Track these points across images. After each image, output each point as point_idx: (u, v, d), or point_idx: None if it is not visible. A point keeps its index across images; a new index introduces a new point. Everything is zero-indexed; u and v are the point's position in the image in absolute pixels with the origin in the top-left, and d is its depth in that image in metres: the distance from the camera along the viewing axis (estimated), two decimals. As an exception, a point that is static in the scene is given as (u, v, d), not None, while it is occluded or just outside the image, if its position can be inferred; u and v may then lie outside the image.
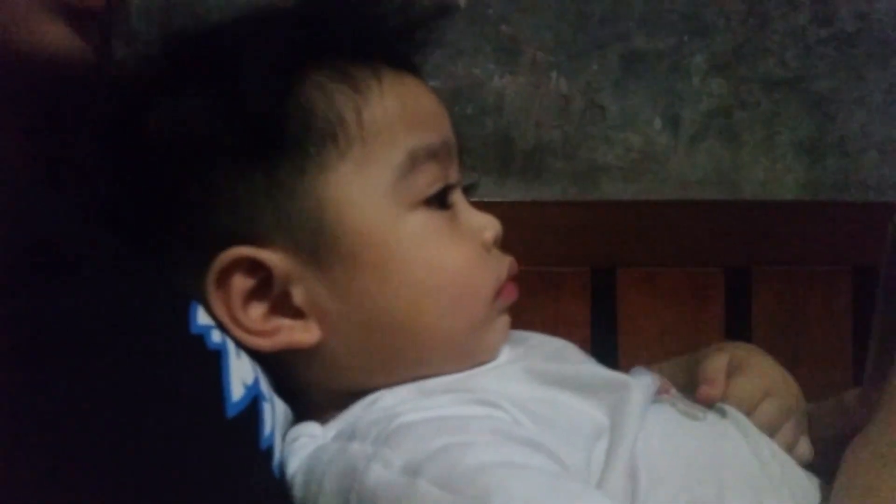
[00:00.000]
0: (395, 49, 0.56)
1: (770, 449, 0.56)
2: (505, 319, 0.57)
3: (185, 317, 0.48)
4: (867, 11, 1.04)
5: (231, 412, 0.47)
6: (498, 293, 0.55)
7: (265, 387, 0.51)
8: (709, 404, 0.58)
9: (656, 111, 1.04)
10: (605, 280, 0.96)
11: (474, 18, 1.02)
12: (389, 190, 0.52)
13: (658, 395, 0.56)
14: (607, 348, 0.94)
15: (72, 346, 0.42)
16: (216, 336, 0.49)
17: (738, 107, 1.05)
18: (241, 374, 0.49)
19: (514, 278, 0.57)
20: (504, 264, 0.57)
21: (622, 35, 1.03)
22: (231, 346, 0.50)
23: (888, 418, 0.51)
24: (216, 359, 0.48)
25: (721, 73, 1.04)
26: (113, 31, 0.55)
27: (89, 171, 0.54)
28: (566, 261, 0.94)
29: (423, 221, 0.53)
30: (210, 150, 0.51)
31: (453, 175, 0.56)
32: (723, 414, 0.57)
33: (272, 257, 0.50)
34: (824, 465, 0.56)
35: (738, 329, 0.96)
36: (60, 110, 0.56)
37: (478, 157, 1.00)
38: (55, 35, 0.50)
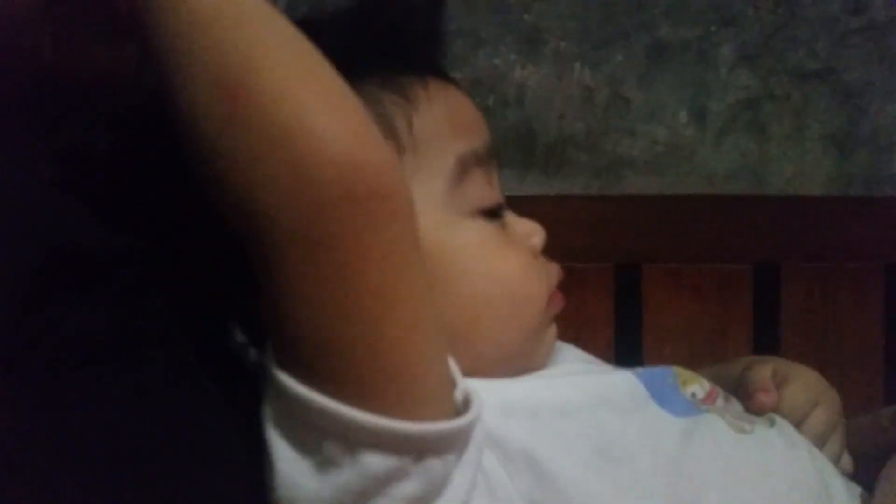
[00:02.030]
0: (436, 56, 0.56)
1: (815, 459, 0.56)
2: (554, 328, 0.58)
3: (224, 333, 0.48)
4: (901, 1, 1.02)
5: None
6: (548, 301, 0.56)
7: None
8: (762, 412, 0.58)
9: (682, 103, 1.02)
10: (630, 276, 0.94)
11: (496, 7, 1.00)
12: (444, 198, 0.52)
13: (705, 403, 0.56)
14: (632, 345, 0.92)
15: (111, 358, 0.42)
16: (252, 355, 0.49)
17: (766, 99, 1.02)
18: None
19: (560, 286, 0.57)
20: (552, 271, 0.57)
21: (648, 25, 1.01)
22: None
23: None
24: (253, 377, 0.48)
25: (749, 64, 1.02)
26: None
27: (131, 184, 0.52)
28: (589, 256, 0.92)
29: (478, 230, 0.53)
30: None
31: (496, 184, 0.56)
32: (771, 423, 0.57)
33: None
34: (862, 479, 0.57)
35: (766, 326, 0.94)
36: (96, 122, 0.54)
37: (499, 149, 0.98)
38: (93, 57, 0.50)
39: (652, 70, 1.02)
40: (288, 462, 0.42)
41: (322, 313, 0.41)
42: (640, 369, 0.59)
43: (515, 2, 1.00)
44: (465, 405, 0.45)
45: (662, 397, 0.56)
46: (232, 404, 0.46)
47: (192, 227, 0.51)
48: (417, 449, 0.42)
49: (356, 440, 0.41)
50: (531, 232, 0.57)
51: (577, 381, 0.58)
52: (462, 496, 0.44)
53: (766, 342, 0.94)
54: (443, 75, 0.56)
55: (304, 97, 0.40)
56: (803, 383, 0.61)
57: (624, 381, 0.57)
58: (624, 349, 0.92)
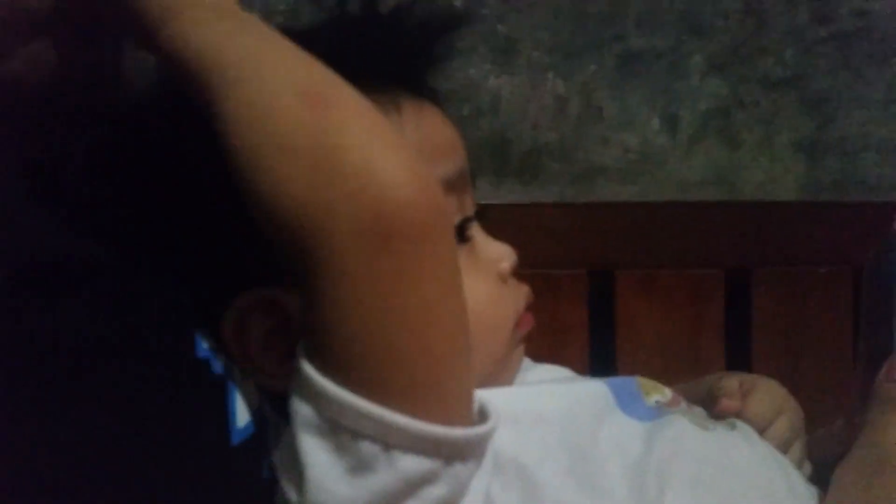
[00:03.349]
0: (412, 73, 0.55)
1: (777, 460, 0.57)
2: (521, 349, 0.58)
3: (191, 339, 0.48)
4: (867, 10, 1.03)
5: (236, 438, 0.47)
6: (516, 324, 0.56)
7: (270, 413, 0.50)
8: (726, 416, 0.59)
9: (654, 111, 1.03)
10: (603, 282, 0.95)
11: (469, 18, 1.01)
12: None
13: (669, 407, 0.57)
14: (606, 351, 0.93)
15: (75, 366, 0.42)
16: (219, 363, 0.49)
17: (736, 107, 1.04)
18: (247, 399, 0.48)
19: (530, 307, 0.57)
20: (521, 294, 0.57)
21: (619, 35, 1.02)
22: (237, 370, 0.49)
23: (869, 439, 0.53)
24: (222, 383, 0.47)
25: (719, 72, 1.03)
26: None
27: (95, 188, 0.52)
28: (563, 263, 0.93)
29: None
30: (230, 186, 0.50)
31: (469, 205, 0.55)
32: (731, 427, 0.58)
33: (292, 300, 0.49)
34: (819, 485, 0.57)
35: (738, 330, 0.95)
36: (70, 134, 0.54)
37: (474, 158, 0.97)
38: (66, 62, 0.49)
39: (624, 79, 1.02)
40: (319, 466, 0.42)
41: (374, 319, 0.42)
42: (608, 378, 0.60)
43: (489, 13, 1.01)
44: (481, 414, 0.46)
45: (627, 404, 0.56)
46: (201, 410, 0.46)
47: (162, 238, 0.51)
48: (448, 454, 0.43)
49: (394, 443, 0.42)
50: (501, 256, 0.56)
51: (552, 388, 0.58)
52: (479, 502, 0.46)
53: (738, 346, 0.95)
54: (422, 93, 0.55)
55: (376, 115, 0.44)
56: (768, 393, 0.62)
57: (594, 389, 0.57)
58: (598, 354, 0.92)
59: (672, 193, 1.03)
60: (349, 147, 0.42)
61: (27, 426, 0.40)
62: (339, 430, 0.42)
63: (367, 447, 0.42)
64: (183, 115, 0.51)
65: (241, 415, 0.47)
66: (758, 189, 1.04)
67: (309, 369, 0.43)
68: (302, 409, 0.43)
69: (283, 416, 0.50)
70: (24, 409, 0.40)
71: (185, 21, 0.45)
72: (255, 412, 0.49)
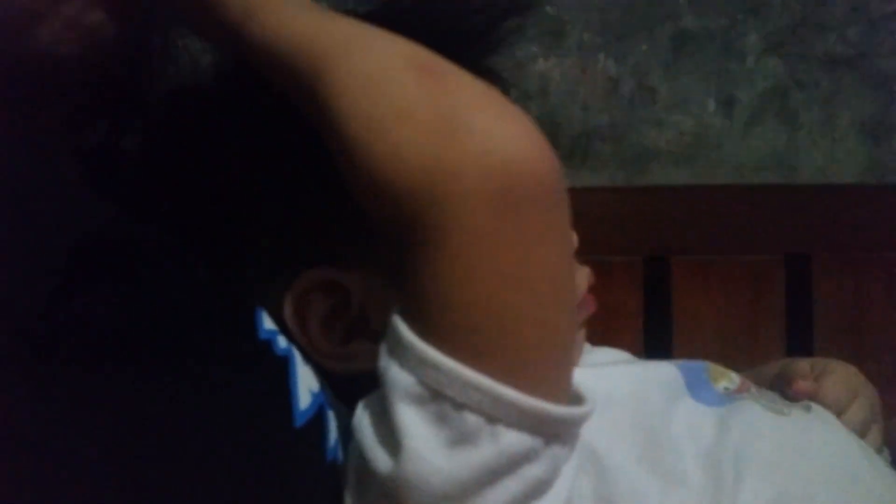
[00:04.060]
0: (475, 53, 0.55)
1: (858, 443, 0.55)
2: (583, 332, 0.57)
3: (252, 321, 0.48)
4: (933, -16, 0.99)
5: (299, 421, 0.46)
6: (578, 305, 0.54)
7: (329, 395, 0.50)
8: (801, 398, 0.57)
9: (709, 93, 1.00)
10: (659, 268, 0.93)
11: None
12: None
13: (738, 393, 0.56)
14: (662, 340, 0.91)
15: (139, 348, 0.42)
16: (282, 342, 0.48)
17: (795, 87, 1.01)
18: (308, 381, 0.48)
19: (592, 289, 0.56)
20: (583, 276, 0.56)
21: (672, 14, 1.00)
22: (297, 352, 0.49)
23: None
24: (284, 365, 0.47)
25: (777, 51, 1.00)
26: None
27: (159, 179, 0.53)
28: (617, 249, 0.91)
29: None
30: (290, 171, 0.50)
31: None
32: (807, 409, 0.56)
33: (352, 279, 0.50)
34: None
35: (798, 318, 0.92)
36: (122, 121, 0.54)
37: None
38: (72, 21, 0.48)
39: (677, 60, 1.00)
40: (418, 437, 0.41)
41: (496, 285, 0.41)
42: (678, 361, 0.59)
43: (537, -6, 1.00)
44: (576, 397, 0.45)
45: (696, 389, 0.56)
46: (263, 393, 0.46)
47: (224, 221, 0.51)
48: (550, 432, 0.42)
49: (499, 416, 0.40)
50: None
51: (621, 369, 0.58)
52: (567, 486, 0.44)
53: (799, 334, 0.92)
54: (483, 72, 0.55)
55: (485, 84, 0.43)
56: (842, 376, 0.61)
57: (666, 372, 0.57)
58: (654, 342, 0.90)
59: (729, 177, 1.00)
60: (470, 111, 0.41)
61: (89, 407, 0.40)
62: (442, 400, 0.41)
63: (471, 419, 0.40)
64: (251, 101, 0.51)
65: (304, 396, 0.47)
66: (818, 172, 1.01)
67: (411, 337, 0.41)
68: (400, 378, 0.41)
69: (343, 398, 0.50)
70: (83, 390, 0.40)
71: (274, 12, 0.45)
72: (316, 394, 0.48)
